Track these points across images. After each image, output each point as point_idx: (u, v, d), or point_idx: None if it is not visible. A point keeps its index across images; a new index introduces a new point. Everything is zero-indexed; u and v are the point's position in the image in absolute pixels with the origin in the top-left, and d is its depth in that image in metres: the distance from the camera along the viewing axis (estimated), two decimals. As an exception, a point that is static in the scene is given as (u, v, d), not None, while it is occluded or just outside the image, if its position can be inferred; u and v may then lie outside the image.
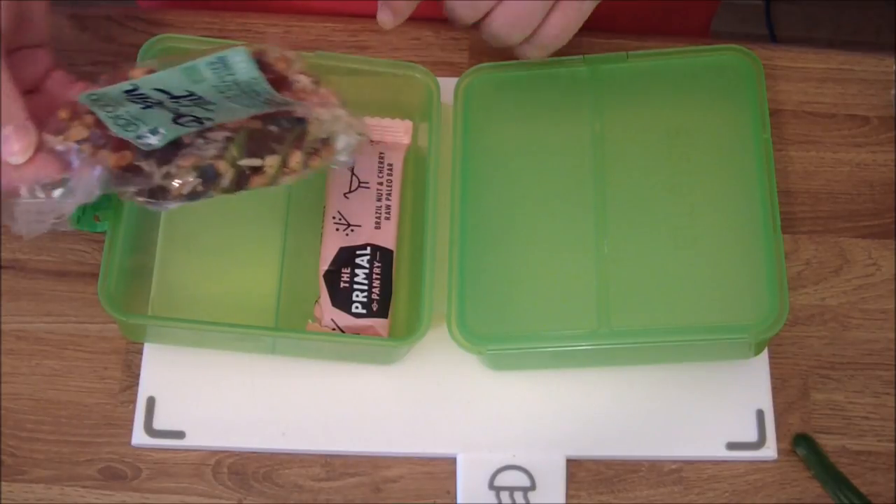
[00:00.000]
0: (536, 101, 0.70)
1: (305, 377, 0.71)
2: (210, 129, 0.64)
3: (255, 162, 0.64)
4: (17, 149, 0.62)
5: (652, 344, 0.67)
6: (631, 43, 0.78)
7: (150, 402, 0.70)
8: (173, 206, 0.64)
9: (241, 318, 0.69)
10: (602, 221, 0.69)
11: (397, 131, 0.74)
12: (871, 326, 0.72)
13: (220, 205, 0.66)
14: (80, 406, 0.71)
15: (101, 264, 0.67)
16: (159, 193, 0.64)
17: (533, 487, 0.68)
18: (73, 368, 0.71)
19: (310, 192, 0.74)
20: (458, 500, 0.69)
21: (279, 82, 0.65)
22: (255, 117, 0.64)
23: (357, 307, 0.69)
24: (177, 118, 0.64)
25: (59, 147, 0.63)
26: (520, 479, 0.69)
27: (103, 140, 0.63)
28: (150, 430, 0.70)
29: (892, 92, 0.78)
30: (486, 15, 0.67)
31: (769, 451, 0.69)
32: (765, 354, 0.70)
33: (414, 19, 0.80)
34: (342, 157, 0.65)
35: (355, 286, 0.70)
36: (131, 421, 0.70)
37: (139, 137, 0.63)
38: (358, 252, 0.71)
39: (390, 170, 0.73)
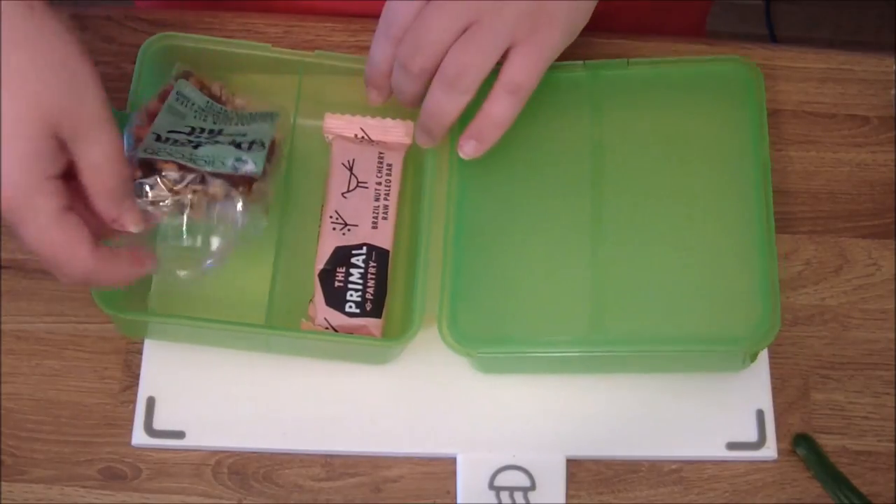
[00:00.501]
0: (535, 104, 0.69)
1: (306, 377, 0.71)
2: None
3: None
4: (135, 220, 0.62)
5: (643, 353, 0.67)
6: (630, 43, 0.78)
7: (150, 402, 0.70)
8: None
9: (236, 314, 0.69)
10: (598, 227, 0.69)
11: (398, 131, 0.74)
12: (871, 326, 0.72)
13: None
14: (80, 406, 0.71)
15: None
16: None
17: (533, 487, 0.68)
18: (73, 368, 0.71)
19: (309, 190, 0.74)
20: (458, 500, 0.69)
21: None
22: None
23: (351, 306, 0.69)
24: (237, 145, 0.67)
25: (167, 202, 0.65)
26: (520, 479, 0.69)
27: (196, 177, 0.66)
28: (150, 430, 0.70)
29: (892, 92, 0.78)
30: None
31: (769, 451, 0.69)
32: (765, 354, 0.70)
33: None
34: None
35: (350, 286, 0.70)
36: (131, 421, 0.70)
37: (235, 169, 0.66)
38: (354, 252, 0.71)
39: (389, 170, 0.73)
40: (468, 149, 0.68)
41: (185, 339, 0.71)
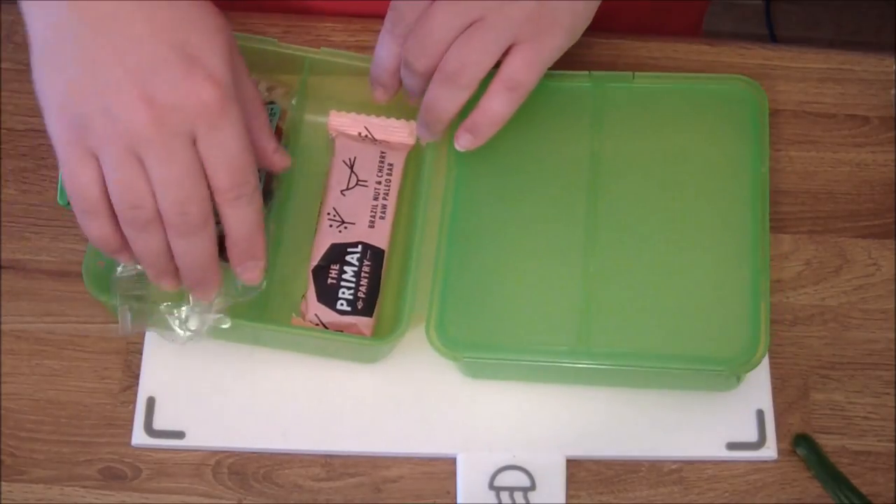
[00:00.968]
0: (536, 112, 0.69)
1: (306, 377, 0.71)
2: None
3: None
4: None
5: (629, 368, 0.67)
6: (629, 43, 0.78)
7: (150, 402, 0.70)
8: None
9: (230, 308, 0.68)
10: (591, 239, 0.69)
11: (402, 132, 0.74)
12: (871, 326, 0.72)
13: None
14: (80, 406, 0.71)
15: (86, 248, 0.67)
16: None
17: (533, 487, 0.68)
18: (73, 368, 0.71)
19: (309, 186, 0.74)
20: (458, 500, 0.69)
21: None
22: None
23: (342, 304, 0.69)
24: None
25: None
26: (520, 479, 0.69)
27: None
28: (150, 430, 0.70)
29: (892, 92, 0.78)
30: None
31: (769, 452, 0.69)
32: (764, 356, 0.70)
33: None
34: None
35: (343, 283, 0.70)
36: (131, 421, 0.70)
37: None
38: (349, 249, 0.71)
39: (390, 170, 0.73)
40: (463, 141, 0.68)
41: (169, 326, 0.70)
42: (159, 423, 0.70)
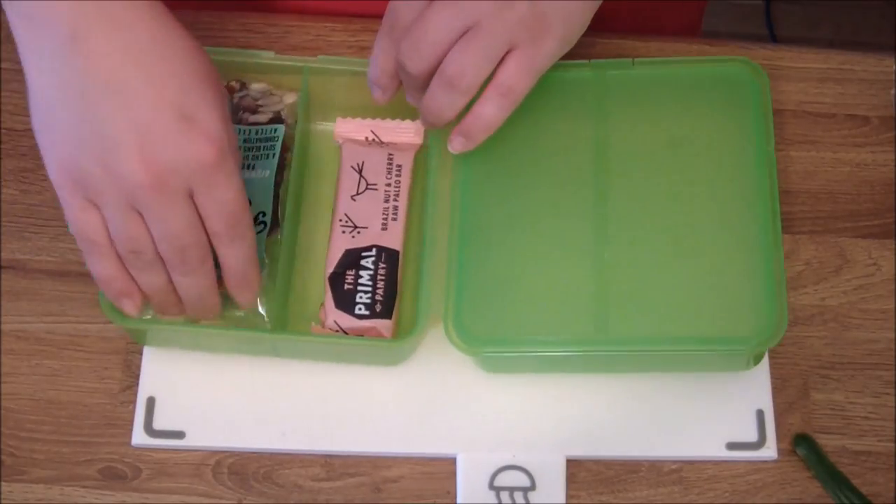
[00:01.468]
0: (540, 103, 0.69)
1: (306, 377, 0.71)
2: None
3: None
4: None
5: (648, 353, 0.67)
6: (629, 43, 0.78)
7: (150, 402, 0.70)
8: None
9: (247, 321, 0.69)
10: (602, 227, 0.69)
11: (407, 132, 0.74)
12: (871, 326, 0.72)
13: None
14: (80, 406, 0.71)
15: None
16: None
17: (533, 487, 0.68)
18: (73, 368, 0.71)
19: (320, 195, 0.74)
20: (458, 500, 0.69)
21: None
22: None
23: (360, 308, 0.69)
24: None
25: None
26: (520, 479, 0.69)
27: None
28: (150, 430, 0.70)
29: (892, 92, 0.78)
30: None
31: (769, 452, 0.69)
32: (765, 354, 0.70)
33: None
34: None
35: (359, 288, 0.70)
36: (131, 421, 0.70)
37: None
38: (363, 254, 0.71)
39: (399, 171, 0.73)
40: (456, 144, 0.68)
41: (193, 346, 0.71)
42: (159, 423, 0.70)
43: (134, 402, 0.70)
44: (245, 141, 0.72)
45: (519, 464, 0.69)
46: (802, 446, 0.69)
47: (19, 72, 0.78)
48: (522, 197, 0.71)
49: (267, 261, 0.69)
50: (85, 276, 0.73)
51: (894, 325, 0.72)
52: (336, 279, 0.70)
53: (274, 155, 0.72)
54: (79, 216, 0.61)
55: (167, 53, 0.60)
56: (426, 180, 0.71)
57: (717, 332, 0.66)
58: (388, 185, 0.73)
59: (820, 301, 0.73)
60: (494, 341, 0.68)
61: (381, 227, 0.72)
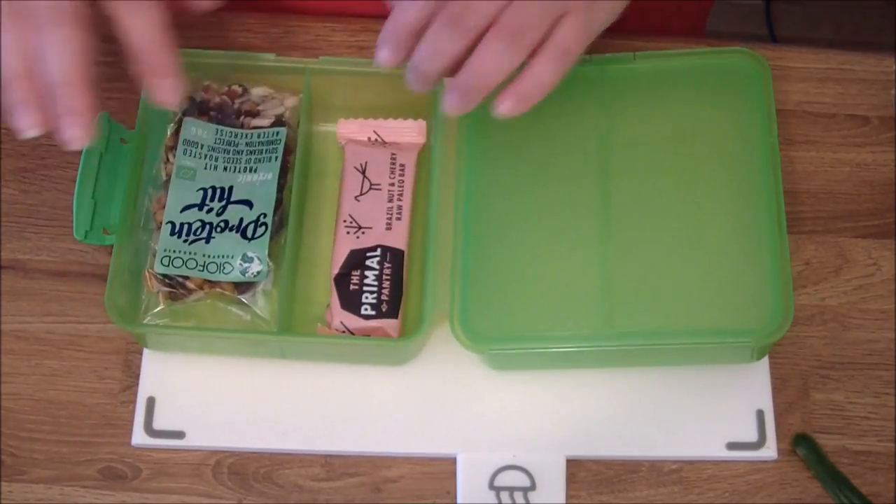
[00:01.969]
0: (542, 99, 0.69)
1: (305, 377, 0.71)
2: None
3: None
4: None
5: (655, 346, 0.67)
6: (631, 44, 0.78)
7: (150, 402, 0.70)
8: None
9: (253, 324, 0.70)
10: (607, 222, 0.69)
11: (410, 131, 0.74)
12: (871, 326, 0.72)
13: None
14: (80, 406, 0.71)
15: (108, 277, 0.68)
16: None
17: (533, 487, 0.68)
18: (73, 368, 0.71)
19: (324, 196, 0.74)
20: (458, 500, 0.69)
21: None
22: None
23: (366, 308, 0.69)
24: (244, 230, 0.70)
25: None
26: (520, 479, 0.69)
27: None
28: (150, 431, 0.70)
29: (892, 92, 0.78)
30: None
31: (769, 451, 0.69)
32: (769, 348, 0.70)
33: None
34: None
35: (365, 288, 0.70)
36: (131, 421, 0.70)
37: (243, 273, 0.69)
38: (368, 254, 0.71)
39: (402, 170, 0.73)
40: (507, 106, 0.63)
41: (199, 349, 0.71)
42: (159, 423, 0.70)
43: (134, 402, 0.70)
44: (247, 144, 0.72)
45: (519, 464, 0.69)
46: (802, 446, 0.69)
47: (19, 72, 0.79)
48: (526, 193, 0.71)
49: (271, 264, 0.70)
50: (85, 277, 0.73)
51: (894, 325, 0.72)
52: (341, 280, 0.70)
53: (276, 158, 0.72)
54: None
55: None
56: (429, 179, 0.71)
57: (722, 324, 0.66)
58: (392, 184, 0.73)
59: (820, 301, 0.73)
60: (501, 338, 0.68)
61: (385, 226, 0.72)
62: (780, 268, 0.66)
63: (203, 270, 0.69)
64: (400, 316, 0.70)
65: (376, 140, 0.74)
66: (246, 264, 0.69)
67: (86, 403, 0.71)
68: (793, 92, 0.78)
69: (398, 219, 0.72)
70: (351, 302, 0.69)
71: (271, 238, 0.70)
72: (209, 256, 0.69)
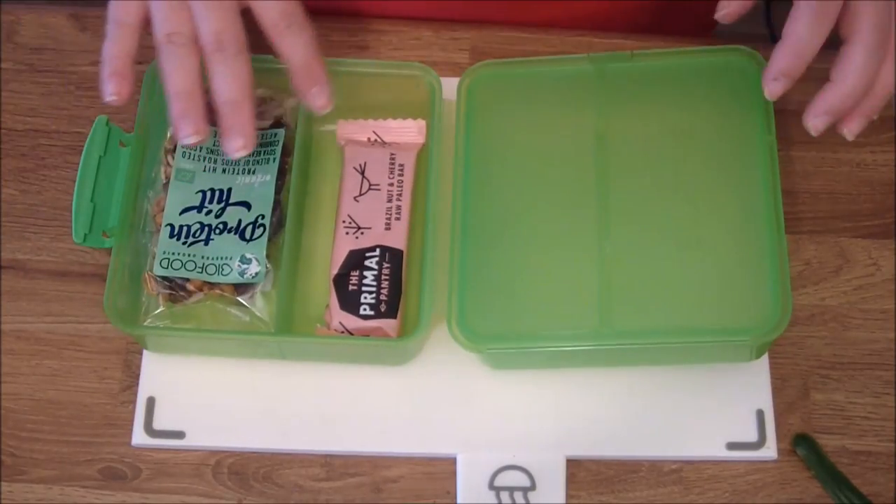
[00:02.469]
0: (540, 99, 0.69)
1: (305, 377, 0.71)
2: None
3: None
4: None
5: (653, 345, 0.67)
6: (631, 43, 0.78)
7: (150, 403, 0.70)
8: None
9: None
10: (605, 221, 0.69)
11: (409, 131, 0.74)
12: (871, 326, 0.72)
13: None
14: (80, 406, 0.71)
15: (107, 279, 0.68)
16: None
17: (533, 487, 0.68)
18: (73, 368, 0.71)
19: (324, 197, 0.74)
20: (458, 500, 0.69)
21: None
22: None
23: (365, 309, 0.69)
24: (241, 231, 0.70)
25: None
26: (520, 479, 0.69)
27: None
28: (150, 431, 0.70)
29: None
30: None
31: (769, 452, 0.69)
32: (765, 354, 0.70)
33: (414, 19, 0.81)
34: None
35: (364, 288, 0.70)
36: (131, 421, 0.70)
37: (241, 274, 0.69)
38: (367, 254, 0.71)
39: (402, 170, 0.73)
40: (853, 127, 0.65)
41: (199, 351, 0.71)
42: (159, 423, 0.70)
43: (134, 402, 0.70)
44: None
45: (519, 464, 0.69)
46: (802, 446, 0.69)
47: (19, 72, 0.79)
48: (524, 192, 0.71)
49: (270, 265, 0.70)
50: (85, 277, 0.73)
51: (894, 325, 0.72)
52: (340, 280, 0.70)
53: (274, 160, 0.72)
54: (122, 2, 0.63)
55: None
56: (428, 179, 0.71)
57: (721, 322, 0.66)
58: (391, 184, 0.73)
59: (820, 301, 0.73)
60: (498, 338, 0.68)
61: (384, 227, 0.72)
62: (779, 265, 0.66)
63: (202, 272, 0.69)
64: (399, 316, 0.70)
65: (376, 140, 0.74)
66: (244, 266, 0.69)
67: (86, 403, 0.71)
68: (793, 92, 0.78)
69: (397, 219, 0.72)
70: (350, 302, 0.69)
71: (269, 239, 0.70)
72: (208, 258, 0.69)
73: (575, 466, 0.69)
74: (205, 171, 0.71)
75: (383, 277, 0.70)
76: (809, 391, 0.71)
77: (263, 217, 0.70)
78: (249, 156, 0.72)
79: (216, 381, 0.71)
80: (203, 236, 0.70)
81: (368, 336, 0.69)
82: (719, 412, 0.70)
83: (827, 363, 0.71)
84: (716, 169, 0.70)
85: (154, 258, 0.69)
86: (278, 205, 0.71)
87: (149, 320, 0.70)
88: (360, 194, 0.73)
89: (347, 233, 0.71)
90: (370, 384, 0.70)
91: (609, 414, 0.70)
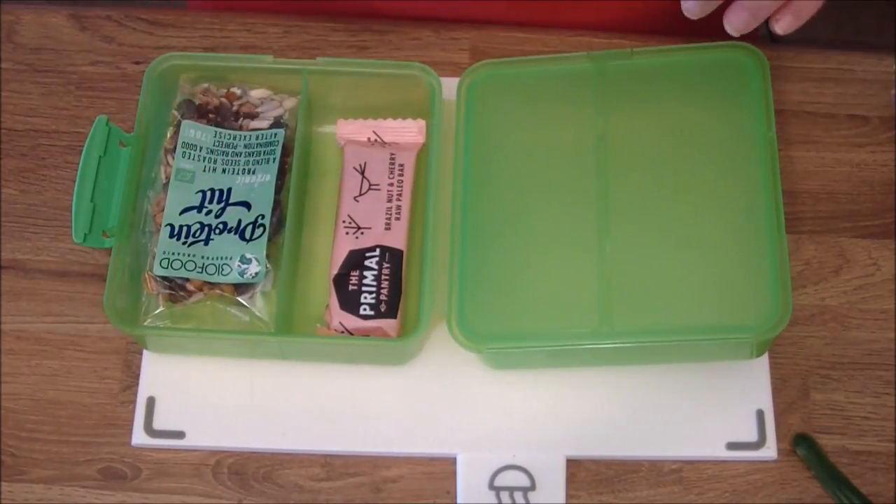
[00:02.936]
0: (540, 97, 0.69)
1: (305, 378, 0.71)
2: None
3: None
4: None
5: (653, 344, 0.67)
6: (632, 43, 0.78)
7: (150, 402, 0.70)
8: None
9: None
10: (605, 220, 0.69)
11: (410, 131, 0.74)
12: (871, 326, 0.72)
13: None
14: (80, 406, 0.71)
15: (106, 279, 0.68)
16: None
17: (533, 487, 0.68)
18: (73, 368, 0.71)
19: (324, 197, 0.74)
20: (458, 500, 0.69)
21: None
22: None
23: (365, 309, 0.69)
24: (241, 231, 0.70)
25: None
26: (520, 479, 0.69)
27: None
28: (150, 430, 0.70)
29: (892, 92, 0.78)
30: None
31: (769, 451, 0.69)
32: (765, 354, 0.70)
33: (414, 19, 0.81)
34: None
35: (364, 288, 0.70)
36: (131, 421, 0.70)
37: (241, 274, 0.69)
38: (367, 254, 0.71)
39: (401, 170, 0.73)
40: (784, 23, 0.65)
41: (199, 351, 0.71)
42: (159, 423, 0.70)
43: (134, 402, 0.70)
44: (246, 147, 0.72)
45: (519, 464, 0.69)
46: (802, 446, 0.69)
47: (20, 72, 0.79)
48: (524, 192, 0.71)
49: (269, 265, 0.70)
50: (85, 277, 0.73)
51: (894, 325, 0.72)
52: (340, 280, 0.70)
53: (274, 160, 0.72)
54: None
55: None
56: (428, 179, 0.71)
57: (721, 320, 0.66)
58: (391, 184, 0.73)
59: (820, 301, 0.73)
60: (498, 337, 0.68)
61: (384, 227, 0.71)
62: (779, 264, 0.66)
63: (202, 272, 0.69)
64: (399, 316, 0.70)
65: (375, 140, 0.74)
66: (244, 266, 0.69)
67: (86, 403, 0.71)
68: (792, 92, 0.78)
69: (397, 219, 0.72)
70: (350, 302, 0.69)
71: (269, 239, 0.70)
72: (208, 258, 0.69)
73: (575, 466, 0.69)
74: (205, 171, 0.71)
75: (383, 277, 0.70)
76: (809, 391, 0.71)
77: (263, 217, 0.70)
78: (250, 156, 0.72)
79: (216, 381, 0.71)
80: (203, 236, 0.70)
81: (368, 336, 0.69)
82: (719, 412, 0.70)
83: (827, 363, 0.71)
84: (716, 166, 0.70)
85: (154, 258, 0.69)
86: (278, 205, 0.71)
87: (149, 320, 0.70)
88: (360, 194, 0.73)
89: (347, 233, 0.71)
90: (370, 384, 0.70)
91: (609, 414, 0.70)
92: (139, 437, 0.69)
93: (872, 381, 0.71)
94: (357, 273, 0.70)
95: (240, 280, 0.69)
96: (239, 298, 0.69)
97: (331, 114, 0.75)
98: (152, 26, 0.80)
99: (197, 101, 0.74)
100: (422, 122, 0.74)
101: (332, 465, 0.70)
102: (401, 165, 0.73)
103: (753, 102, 0.70)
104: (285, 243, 0.70)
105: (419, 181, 0.74)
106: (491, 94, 0.73)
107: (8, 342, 0.72)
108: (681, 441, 0.69)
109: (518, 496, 0.68)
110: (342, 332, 0.69)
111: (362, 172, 0.73)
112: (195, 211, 0.70)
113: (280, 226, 0.71)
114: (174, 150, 0.72)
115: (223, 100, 0.74)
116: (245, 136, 0.73)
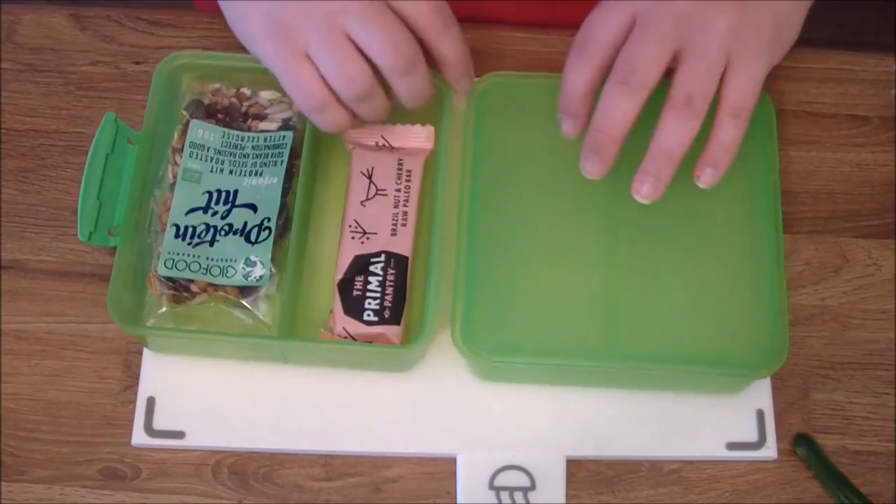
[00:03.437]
0: (551, 112, 0.69)
1: (305, 378, 0.71)
2: None
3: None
4: None
5: (653, 370, 0.67)
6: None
7: (150, 402, 0.70)
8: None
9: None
10: (612, 241, 0.69)
11: (418, 137, 0.74)
12: (871, 326, 0.72)
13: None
14: (80, 406, 0.71)
15: (110, 278, 0.68)
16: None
17: (533, 487, 0.68)
18: (73, 368, 0.71)
19: (331, 201, 0.74)
20: (458, 500, 0.69)
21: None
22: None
23: (369, 314, 0.69)
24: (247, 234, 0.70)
25: None
26: (520, 479, 0.69)
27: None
28: (150, 430, 0.70)
29: (892, 92, 0.78)
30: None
31: (769, 451, 0.69)
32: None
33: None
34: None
35: (368, 294, 0.69)
36: (131, 421, 0.70)
37: (246, 277, 0.69)
38: (372, 260, 0.70)
39: (409, 176, 0.73)
40: (706, 177, 0.65)
41: (201, 352, 0.71)
42: (159, 423, 0.70)
43: (134, 402, 0.70)
44: (254, 148, 0.72)
45: (519, 464, 0.69)
46: (802, 446, 0.69)
47: (19, 72, 0.79)
48: (532, 204, 0.71)
49: (274, 268, 0.70)
50: (85, 277, 0.73)
51: (894, 325, 0.72)
52: (345, 285, 0.70)
53: (282, 162, 0.72)
54: (294, 72, 0.66)
55: None
56: (436, 186, 0.71)
57: (720, 354, 0.67)
58: (398, 190, 0.73)
59: (820, 301, 0.73)
60: (501, 350, 0.68)
61: (390, 232, 0.71)
62: (778, 303, 0.67)
63: (206, 274, 0.69)
64: (403, 322, 0.70)
65: (384, 145, 0.74)
66: (249, 268, 0.69)
67: (86, 403, 0.71)
68: (793, 92, 0.78)
69: (403, 225, 0.72)
70: (354, 307, 0.69)
71: (275, 242, 0.70)
72: (212, 260, 0.69)
73: (575, 466, 0.69)
74: (212, 171, 0.71)
75: (388, 283, 0.70)
76: (809, 391, 0.71)
77: (269, 220, 0.70)
78: (257, 157, 0.72)
79: (216, 381, 0.71)
80: (208, 237, 0.69)
81: (371, 342, 0.69)
82: (719, 412, 0.70)
83: (827, 363, 0.71)
84: (720, 202, 0.70)
85: (158, 258, 0.69)
86: (284, 208, 0.71)
87: (151, 320, 0.70)
88: (367, 199, 0.72)
89: (353, 237, 0.71)
90: (371, 385, 0.70)
91: (609, 414, 0.70)
92: (139, 437, 0.69)
93: (872, 381, 0.71)
94: (362, 278, 0.70)
95: (244, 283, 0.69)
96: (243, 301, 0.69)
97: None
98: (152, 26, 0.80)
99: (207, 101, 0.74)
100: (430, 128, 0.74)
101: (332, 465, 0.70)
102: (409, 171, 0.73)
103: (758, 140, 0.71)
104: (290, 247, 0.70)
105: (426, 187, 0.74)
106: (501, 104, 0.73)
107: (8, 342, 0.72)
108: (681, 441, 0.69)
109: (518, 496, 0.68)
110: (345, 337, 0.69)
111: (370, 177, 0.73)
112: (201, 212, 0.70)
113: (286, 229, 0.71)
114: (182, 149, 0.72)
115: (233, 100, 0.74)
116: (253, 138, 0.73)
